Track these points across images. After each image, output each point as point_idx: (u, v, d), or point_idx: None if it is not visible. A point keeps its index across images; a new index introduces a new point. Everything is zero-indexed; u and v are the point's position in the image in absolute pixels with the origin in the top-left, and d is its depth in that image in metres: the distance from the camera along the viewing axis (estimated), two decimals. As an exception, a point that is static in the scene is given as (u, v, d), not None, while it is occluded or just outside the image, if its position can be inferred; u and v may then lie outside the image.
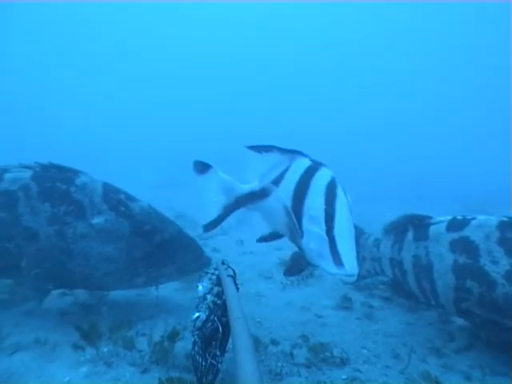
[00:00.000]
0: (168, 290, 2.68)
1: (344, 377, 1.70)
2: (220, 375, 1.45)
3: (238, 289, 1.54)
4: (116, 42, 37.34)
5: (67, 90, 32.93)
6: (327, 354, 1.83)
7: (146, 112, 31.83)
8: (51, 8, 33.16)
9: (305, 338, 2.02)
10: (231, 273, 1.60)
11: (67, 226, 1.96)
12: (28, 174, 2.07)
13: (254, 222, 1.80)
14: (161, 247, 2.05)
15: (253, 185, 1.78)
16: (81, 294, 2.60)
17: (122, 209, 2.04)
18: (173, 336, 1.74)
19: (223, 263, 1.70)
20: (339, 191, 1.39)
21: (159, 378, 1.49)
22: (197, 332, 1.47)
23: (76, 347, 1.78)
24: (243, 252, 4.04)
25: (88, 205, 2.00)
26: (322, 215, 1.33)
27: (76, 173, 2.13)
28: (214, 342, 1.43)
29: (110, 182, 2.30)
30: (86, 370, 1.66)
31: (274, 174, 1.66)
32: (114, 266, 1.98)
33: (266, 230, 1.75)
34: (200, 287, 1.61)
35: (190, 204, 2.95)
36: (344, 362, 1.81)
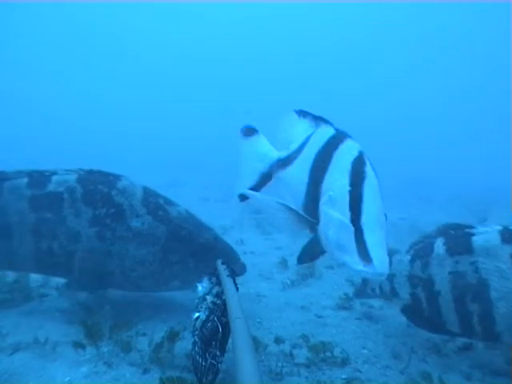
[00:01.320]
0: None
1: (344, 376, 1.70)
2: (220, 375, 1.45)
3: (237, 289, 1.54)
4: (116, 42, 37.33)
5: (67, 89, 32.93)
6: (327, 353, 1.83)
7: (149, 112, 31.84)
8: (50, 8, 33.16)
9: (305, 338, 2.02)
10: (231, 273, 1.61)
11: (107, 228, 2.01)
12: (73, 176, 2.13)
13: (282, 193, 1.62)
14: (196, 252, 2.06)
15: (281, 152, 1.64)
16: (80, 294, 2.60)
17: (160, 213, 2.07)
18: (173, 336, 1.74)
19: (223, 263, 1.70)
20: (368, 170, 1.16)
21: (160, 378, 1.50)
22: (197, 332, 1.47)
23: (77, 346, 1.79)
24: (243, 252, 4.04)
25: (127, 208, 2.04)
26: (345, 198, 1.11)
27: (117, 177, 2.19)
28: (213, 342, 1.43)
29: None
30: (86, 370, 1.66)
31: (298, 143, 1.52)
32: (148, 268, 2.01)
33: (287, 202, 1.55)
34: (200, 287, 1.61)
35: (191, 204, 2.95)
36: (344, 362, 1.81)
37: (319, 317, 2.41)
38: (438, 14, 32.90)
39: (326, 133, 1.36)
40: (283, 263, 3.49)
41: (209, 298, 1.54)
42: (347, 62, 36.70)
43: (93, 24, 35.94)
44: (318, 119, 1.47)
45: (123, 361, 1.73)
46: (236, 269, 2.12)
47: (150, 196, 2.12)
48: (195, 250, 2.06)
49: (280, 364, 1.71)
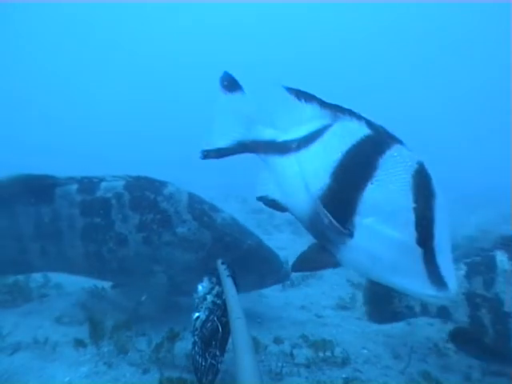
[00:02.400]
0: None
1: (344, 376, 1.70)
2: (220, 375, 1.45)
3: (237, 289, 1.54)
4: (116, 42, 37.33)
5: (66, 89, 32.92)
6: (327, 353, 1.83)
7: (148, 112, 31.82)
8: (49, 8, 33.16)
9: (305, 338, 2.02)
10: (231, 273, 1.61)
11: (153, 233, 2.05)
12: (121, 183, 2.18)
13: (260, 177, 1.45)
14: (240, 258, 2.06)
15: (276, 133, 1.42)
16: (81, 294, 2.60)
17: (205, 219, 2.09)
18: (173, 336, 1.74)
19: (223, 263, 1.70)
20: (436, 186, 1.02)
21: (159, 380, 1.50)
22: (197, 332, 1.47)
23: (78, 344, 1.79)
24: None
25: (173, 214, 2.07)
26: (409, 216, 0.96)
27: (164, 183, 2.22)
28: (213, 342, 1.43)
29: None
30: (86, 370, 1.66)
31: (304, 131, 1.28)
32: (194, 274, 1.98)
33: (271, 192, 1.39)
34: (200, 287, 1.61)
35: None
36: (344, 362, 1.81)
37: (319, 317, 2.41)
38: (437, 14, 32.90)
39: (358, 130, 1.12)
40: (284, 263, 3.49)
41: (209, 298, 1.54)
42: (347, 62, 36.69)
43: (90, 24, 35.92)
44: (336, 108, 1.21)
45: (123, 361, 1.74)
46: (280, 275, 2.15)
47: (195, 202, 2.15)
48: (239, 255, 2.06)
49: (280, 364, 1.71)
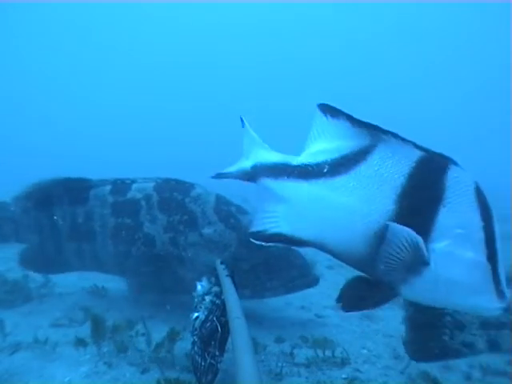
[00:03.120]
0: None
1: (344, 376, 1.70)
2: (219, 375, 1.45)
3: (236, 289, 1.54)
4: (115, 43, 37.32)
5: (66, 90, 32.90)
6: (327, 353, 1.83)
7: (148, 113, 31.80)
8: (48, 8, 33.15)
9: (305, 338, 2.02)
10: (230, 272, 1.61)
11: (180, 234, 2.07)
12: (151, 184, 2.23)
13: (261, 209, 1.31)
14: (267, 261, 2.05)
15: (286, 156, 1.30)
16: (81, 294, 2.60)
17: (232, 221, 2.09)
18: (173, 336, 1.74)
19: (222, 263, 1.70)
20: (489, 202, 1.04)
21: (157, 381, 1.50)
22: (196, 332, 1.47)
23: (78, 344, 1.80)
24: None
25: (200, 215, 2.09)
26: (481, 235, 0.96)
27: (192, 185, 2.26)
28: (213, 342, 1.43)
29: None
30: (86, 370, 1.66)
31: (333, 152, 1.15)
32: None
33: (278, 226, 1.23)
34: (199, 287, 1.61)
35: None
36: (344, 362, 1.81)
37: (319, 317, 2.41)
38: (437, 14, 32.89)
39: (410, 151, 1.06)
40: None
41: (208, 298, 1.54)
42: (347, 63, 36.67)
43: (89, 24, 35.91)
44: (373, 128, 1.13)
45: (123, 361, 1.74)
46: (309, 280, 2.10)
47: (222, 204, 2.16)
48: (266, 258, 2.05)
49: (280, 364, 1.71)
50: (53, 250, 2.37)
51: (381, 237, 1.01)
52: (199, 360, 1.42)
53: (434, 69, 34.11)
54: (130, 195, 2.21)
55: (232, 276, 1.61)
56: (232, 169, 1.59)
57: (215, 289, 1.57)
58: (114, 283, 2.84)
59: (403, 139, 1.09)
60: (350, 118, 1.15)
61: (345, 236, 1.08)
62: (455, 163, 1.05)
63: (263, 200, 1.32)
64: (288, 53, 37.12)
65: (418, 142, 1.09)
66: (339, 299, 1.11)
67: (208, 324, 1.47)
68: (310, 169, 1.18)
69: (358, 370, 1.75)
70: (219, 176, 1.62)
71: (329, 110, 1.19)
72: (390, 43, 35.59)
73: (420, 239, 0.95)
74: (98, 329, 1.82)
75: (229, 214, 2.12)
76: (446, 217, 0.98)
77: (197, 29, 39.21)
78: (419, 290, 1.00)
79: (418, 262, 0.97)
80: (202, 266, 2.02)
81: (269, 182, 1.31)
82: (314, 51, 36.79)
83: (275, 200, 1.26)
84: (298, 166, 1.22)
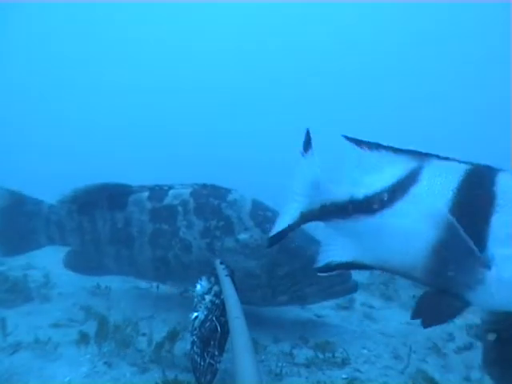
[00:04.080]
0: (168, 290, 2.69)
1: (344, 376, 1.70)
2: (219, 375, 1.45)
3: (236, 288, 1.54)
4: (116, 41, 37.34)
5: (66, 89, 32.94)
6: (327, 353, 1.83)
7: (148, 113, 31.82)
8: (47, 9, 33.21)
9: (305, 338, 2.02)
10: (229, 272, 1.61)
11: (216, 240, 2.06)
12: (188, 190, 2.24)
13: (325, 243, 1.34)
14: (305, 266, 2.01)
15: (350, 189, 1.27)
16: (81, 294, 2.61)
17: (268, 226, 2.02)
18: (173, 336, 1.74)
19: (221, 263, 1.70)
20: None
21: (159, 379, 1.50)
22: (195, 332, 1.47)
23: (79, 343, 1.80)
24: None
25: (236, 220, 2.07)
26: None
27: (229, 190, 2.25)
28: (212, 342, 1.43)
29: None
30: (86, 370, 1.66)
31: (389, 180, 1.19)
32: (256, 281, 2.00)
33: (342, 255, 1.28)
34: (198, 287, 1.61)
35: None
36: (344, 362, 1.80)
37: (319, 317, 2.41)
38: (437, 14, 32.89)
39: (456, 166, 1.12)
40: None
41: (207, 298, 1.54)
42: (348, 63, 36.68)
43: (90, 25, 36.01)
44: (416, 152, 1.18)
45: (123, 361, 1.74)
46: (348, 286, 2.04)
47: (258, 209, 2.14)
48: (304, 263, 2.00)
49: (280, 364, 1.71)
50: (94, 254, 2.42)
51: (440, 249, 1.06)
52: (198, 360, 1.42)
53: (433, 69, 34.10)
54: (166, 201, 2.22)
55: (232, 276, 1.61)
56: (293, 214, 1.41)
57: (215, 288, 1.57)
58: (114, 283, 2.84)
59: (446, 157, 1.15)
60: (390, 148, 1.21)
61: (406, 256, 1.14)
62: (502, 170, 1.09)
63: (327, 234, 1.35)
64: (288, 53, 37.15)
65: (461, 158, 1.14)
66: (416, 316, 1.13)
67: (207, 324, 1.47)
68: (373, 201, 1.21)
69: (358, 370, 1.75)
70: (275, 240, 1.46)
71: (364, 143, 1.24)
72: (388, 43, 35.58)
73: (471, 243, 0.99)
74: (103, 328, 1.83)
75: (265, 219, 2.08)
76: (499, 222, 1.01)
77: (197, 30, 39.25)
78: (485, 295, 1.03)
79: (477, 267, 1.01)
80: (238, 272, 1.98)
81: (339, 222, 1.31)
82: (314, 51, 36.81)
83: (340, 234, 1.30)
84: (362, 200, 1.24)
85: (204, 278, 1.65)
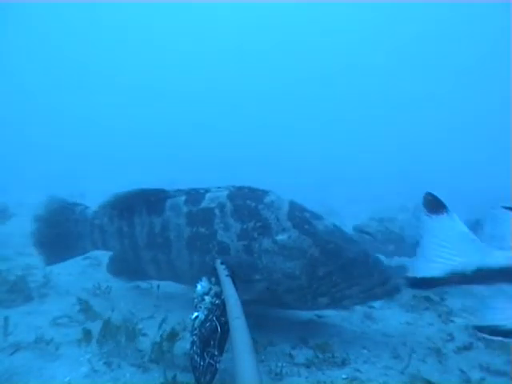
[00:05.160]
0: (168, 290, 2.69)
1: (344, 376, 1.70)
2: (219, 375, 1.45)
3: (236, 289, 1.54)
4: (118, 42, 37.31)
5: (67, 88, 32.90)
6: (327, 353, 1.83)
7: (148, 113, 31.78)
8: (47, 9, 33.16)
9: (305, 338, 2.02)
10: (230, 273, 1.61)
11: (254, 242, 2.05)
12: (224, 193, 2.25)
13: (497, 307, 1.32)
14: (345, 267, 1.98)
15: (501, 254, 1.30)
16: (81, 294, 2.60)
17: (306, 227, 2.05)
18: (172, 336, 1.74)
19: (222, 263, 1.70)
20: None
21: (159, 379, 1.49)
22: (195, 332, 1.47)
23: (80, 343, 1.81)
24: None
25: (274, 222, 2.06)
26: None
27: (265, 192, 2.25)
28: (212, 342, 1.43)
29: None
30: (86, 370, 1.66)
31: None
32: (295, 282, 1.97)
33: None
34: (199, 287, 1.61)
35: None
36: (344, 362, 1.80)
37: (319, 317, 2.41)
38: (437, 14, 32.87)
39: None
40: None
41: (208, 298, 1.54)
42: (348, 63, 36.63)
43: (91, 24, 35.95)
44: None
45: (123, 361, 1.74)
46: (389, 288, 1.98)
47: (295, 210, 2.13)
48: (344, 264, 1.97)
49: (280, 364, 1.71)
50: (132, 258, 2.44)
51: None
52: (198, 360, 1.42)
53: (433, 70, 34.08)
54: (203, 204, 2.23)
55: (232, 276, 1.61)
56: (437, 272, 1.41)
57: (215, 289, 1.57)
58: (115, 283, 2.84)
59: None
60: None
61: None
62: None
63: (495, 297, 1.35)
64: (288, 53, 37.10)
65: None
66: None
67: (207, 324, 1.47)
68: None
69: (358, 370, 1.75)
70: (418, 283, 1.46)
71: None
72: (388, 43, 35.56)
73: None
74: (106, 327, 1.83)
75: (303, 220, 2.07)
76: None
77: (196, 30, 39.21)
78: None
79: None
80: (277, 273, 1.98)
81: (504, 286, 1.33)
82: (313, 51, 36.77)
83: (509, 297, 1.31)
84: None
85: (204, 279, 1.65)
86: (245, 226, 2.08)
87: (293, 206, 2.15)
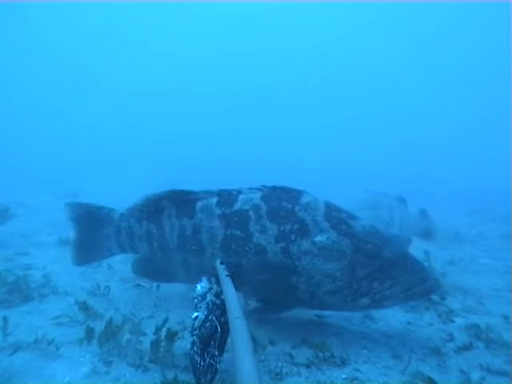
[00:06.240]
0: (168, 290, 2.69)
1: (344, 376, 1.69)
2: (219, 375, 1.45)
3: (236, 289, 1.54)
4: (119, 39, 37.28)
5: (68, 88, 32.88)
6: (327, 353, 1.83)
7: (148, 113, 31.75)
8: (48, 9, 33.14)
9: (305, 338, 2.02)
10: (230, 273, 1.61)
11: (292, 244, 2.02)
12: (258, 194, 2.21)
13: None
14: (384, 267, 1.98)
15: None
16: (81, 294, 2.60)
17: (344, 227, 2.03)
18: (172, 336, 1.74)
19: (222, 263, 1.70)
20: None
21: (159, 379, 1.49)
22: (195, 332, 1.47)
23: (80, 343, 1.81)
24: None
25: (311, 223, 2.04)
26: None
27: (300, 192, 2.21)
28: (212, 342, 1.43)
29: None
30: (86, 370, 1.66)
31: None
32: (336, 284, 1.97)
33: None
34: (199, 287, 1.61)
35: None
36: (344, 362, 1.80)
37: (320, 317, 2.40)
38: (437, 14, 32.84)
39: None
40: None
41: (208, 298, 1.54)
42: (350, 61, 36.61)
43: (92, 24, 35.95)
44: None
45: (123, 361, 1.74)
46: (429, 287, 1.97)
47: (332, 211, 2.10)
48: (382, 264, 1.98)
49: (280, 364, 1.71)
50: (161, 260, 2.40)
51: None
52: (198, 360, 1.42)
53: (434, 69, 34.06)
54: (237, 206, 2.19)
55: (232, 276, 1.61)
56: None
57: (215, 288, 1.57)
58: (114, 283, 2.84)
59: None
60: None
61: None
62: None
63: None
64: (288, 52, 37.08)
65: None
66: None
67: (208, 324, 1.47)
68: None
69: (358, 370, 1.75)
70: None
71: None
72: (388, 43, 35.53)
73: None
74: (108, 327, 1.83)
75: (340, 221, 2.05)
76: None
77: (196, 30, 39.17)
78: None
79: None
80: (318, 275, 1.96)
81: None
82: (313, 50, 36.75)
83: None
84: None
85: (204, 279, 1.65)
86: (282, 228, 2.05)
87: (329, 206, 2.12)
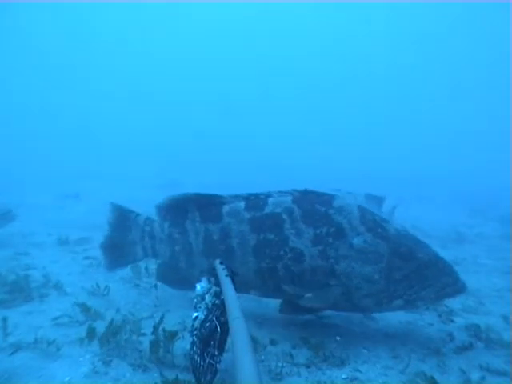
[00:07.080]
0: (168, 290, 2.69)
1: (344, 376, 1.70)
2: (219, 375, 1.45)
3: (235, 289, 1.54)
4: (119, 41, 37.28)
5: (68, 87, 32.89)
6: (327, 353, 1.83)
7: (148, 112, 31.75)
8: (48, 9, 33.15)
9: (305, 338, 2.02)
10: (229, 273, 1.60)
11: (329, 247, 2.01)
12: (289, 198, 2.18)
13: None
14: (418, 269, 2.00)
15: None
16: (80, 294, 2.60)
17: (379, 230, 2.03)
18: (172, 336, 1.74)
19: (221, 263, 1.70)
20: None
21: (159, 379, 1.49)
22: (195, 332, 1.47)
23: (80, 343, 1.81)
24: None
25: (347, 226, 2.04)
26: None
27: (332, 196, 2.19)
28: (212, 342, 1.43)
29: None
30: (86, 370, 1.66)
31: None
32: (375, 287, 1.97)
33: None
34: (198, 287, 1.61)
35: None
36: (344, 362, 1.81)
37: (319, 317, 2.40)
38: (437, 14, 32.84)
39: None
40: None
41: (207, 298, 1.54)
42: (350, 61, 36.61)
43: (92, 24, 35.95)
44: None
45: (123, 361, 1.74)
46: (458, 287, 2.00)
47: (366, 213, 2.10)
48: (416, 266, 1.99)
49: (280, 364, 1.71)
50: (184, 266, 2.35)
51: None
52: (198, 360, 1.42)
53: (434, 69, 34.05)
54: (268, 210, 2.16)
55: (231, 276, 1.61)
56: None
57: (215, 289, 1.57)
58: (114, 283, 2.84)
59: None
60: None
61: None
62: None
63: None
64: (287, 52, 37.08)
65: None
66: None
67: (207, 324, 1.46)
68: None
69: (357, 370, 1.75)
70: None
71: None
72: (389, 43, 35.52)
73: None
74: (109, 327, 1.83)
75: (375, 224, 2.05)
76: None
77: (195, 30, 39.17)
78: None
79: None
80: (357, 278, 1.96)
81: None
82: (313, 50, 36.75)
83: None
84: None
85: (204, 279, 1.65)
86: (318, 231, 2.03)
87: (362, 209, 2.12)
